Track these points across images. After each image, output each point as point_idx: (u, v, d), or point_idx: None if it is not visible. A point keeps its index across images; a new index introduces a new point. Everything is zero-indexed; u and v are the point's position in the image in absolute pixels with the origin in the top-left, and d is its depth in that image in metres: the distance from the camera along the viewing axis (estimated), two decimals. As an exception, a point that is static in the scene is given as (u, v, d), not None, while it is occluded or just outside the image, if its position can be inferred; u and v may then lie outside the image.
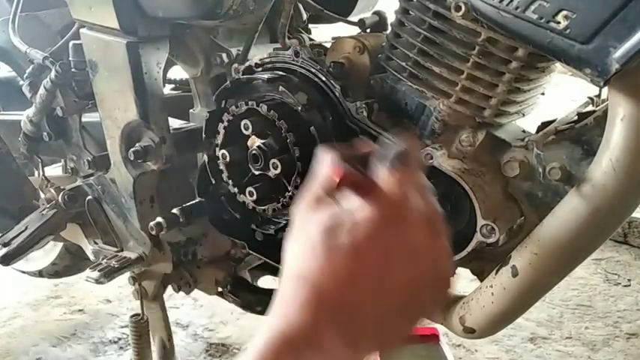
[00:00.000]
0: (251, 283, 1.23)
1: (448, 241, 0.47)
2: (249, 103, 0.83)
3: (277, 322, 0.43)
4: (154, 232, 1.00)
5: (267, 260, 0.97)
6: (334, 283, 0.43)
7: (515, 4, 0.63)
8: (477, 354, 1.78)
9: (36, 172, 1.37)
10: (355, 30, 1.04)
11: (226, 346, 1.83)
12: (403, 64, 0.79)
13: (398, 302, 0.44)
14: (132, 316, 1.24)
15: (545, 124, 0.78)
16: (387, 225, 0.44)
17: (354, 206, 0.45)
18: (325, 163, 0.49)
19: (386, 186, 0.46)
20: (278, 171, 0.82)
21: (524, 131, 0.81)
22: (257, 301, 1.16)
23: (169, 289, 1.22)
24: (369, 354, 0.45)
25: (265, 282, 1.27)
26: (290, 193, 0.83)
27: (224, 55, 1.05)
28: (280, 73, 0.86)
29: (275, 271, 1.13)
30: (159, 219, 0.99)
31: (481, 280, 0.83)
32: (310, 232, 0.45)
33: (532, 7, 0.62)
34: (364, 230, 0.43)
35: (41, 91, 1.16)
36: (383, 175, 0.46)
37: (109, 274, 1.11)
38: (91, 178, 1.19)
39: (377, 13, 1.03)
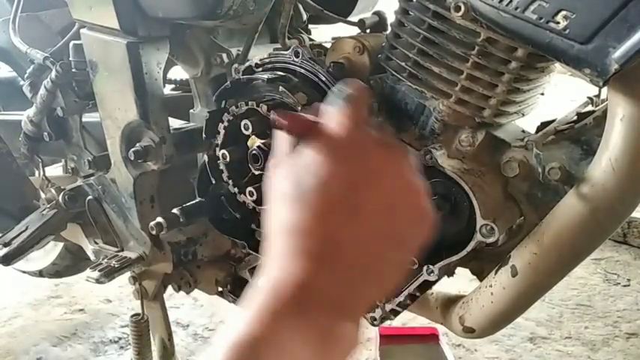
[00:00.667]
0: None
1: (411, 163, 0.49)
2: (250, 103, 0.83)
3: (276, 275, 0.43)
4: (154, 232, 1.01)
5: (267, 260, 0.97)
6: (316, 222, 0.44)
7: (515, 4, 0.63)
8: (476, 353, 1.78)
9: (36, 172, 1.37)
10: (355, 30, 1.04)
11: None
12: (403, 64, 0.79)
13: (377, 226, 0.45)
14: (132, 316, 1.24)
15: (544, 124, 0.79)
16: (344, 155, 0.46)
17: (311, 150, 0.47)
18: (282, 136, 0.51)
19: (335, 121, 0.48)
20: (278, 171, 0.83)
21: (523, 131, 0.81)
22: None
23: (170, 289, 1.22)
24: (371, 293, 0.45)
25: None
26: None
27: (224, 56, 1.05)
28: (280, 73, 0.86)
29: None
30: (159, 219, 0.99)
31: (480, 279, 0.83)
32: (280, 190, 0.47)
33: (531, 8, 0.62)
34: (324, 166, 0.45)
35: (42, 91, 1.17)
36: (331, 114, 0.49)
37: (109, 273, 1.11)
38: (92, 178, 1.20)
39: (377, 13, 1.04)
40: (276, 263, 0.44)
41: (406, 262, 0.48)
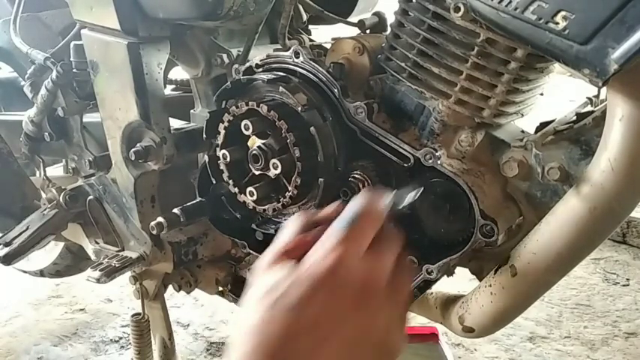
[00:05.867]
0: (251, 283, 1.23)
1: (390, 308, 0.51)
2: (250, 103, 0.84)
3: None
4: (154, 232, 1.01)
5: (268, 260, 0.97)
6: (273, 336, 0.47)
7: (514, 4, 0.64)
8: (476, 353, 1.79)
9: (37, 172, 1.37)
10: (355, 31, 1.04)
11: (227, 345, 1.83)
12: (402, 64, 0.79)
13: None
14: (133, 316, 1.25)
15: (543, 125, 0.79)
16: (328, 287, 0.48)
17: (289, 270, 0.50)
18: (288, 227, 0.55)
19: (319, 252, 0.50)
20: (278, 171, 0.83)
21: (523, 131, 0.82)
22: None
23: (170, 289, 1.23)
24: None
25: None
26: (290, 193, 0.84)
27: (224, 56, 1.05)
28: (280, 73, 0.86)
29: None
30: (160, 219, 0.99)
31: (480, 279, 0.83)
32: (258, 290, 0.50)
33: (531, 8, 0.63)
34: (307, 291, 0.48)
35: (42, 91, 1.17)
36: (321, 242, 0.51)
37: (110, 273, 1.11)
38: (92, 178, 1.20)
39: (376, 14, 1.04)
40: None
41: None
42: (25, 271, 1.87)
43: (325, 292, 0.48)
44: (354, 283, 0.49)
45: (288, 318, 0.47)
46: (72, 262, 1.77)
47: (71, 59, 1.11)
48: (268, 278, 0.51)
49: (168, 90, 1.34)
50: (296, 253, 0.52)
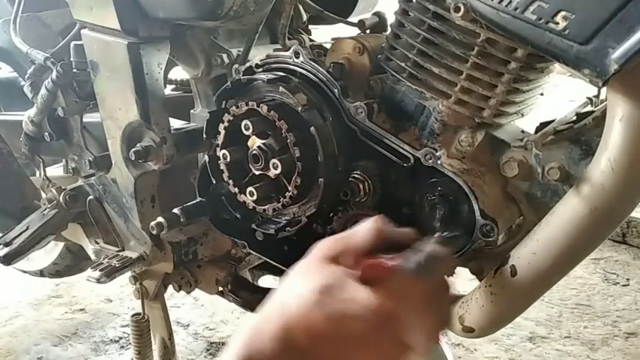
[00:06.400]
0: (251, 283, 1.23)
1: None
2: (250, 103, 0.84)
3: (246, 341, 0.49)
4: (154, 232, 1.01)
5: (268, 260, 0.97)
6: (305, 331, 0.47)
7: (515, 4, 0.64)
8: (476, 353, 1.79)
9: (37, 172, 1.37)
10: (355, 31, 1.04)
11: (227, 345, 1.83)
12: (403, 64, 0.79)
13: None
14: (133, 316, 1.25)
15: (544, 125, 0.79)
16: (369, 321, 0.49)
17: (360, 286, 0.49)
18: (365, 230, 0.54)
19: (389, 290, 0.50)
20: (278, 171, 0.83)
21: (523, 131, 0.82)
22: (257, 301, 1.16)
23: (170, 289, 1.23)
24: None
25: (266, 281, 1.28)
26: (290, 193, 0.84)
27: (224, 56, 1.05)
28: (280, 73, 0.86)
29: (275, 271, 1.14)
30: (160, 219, 0.99)
31: (480, 279, 0.83)
32: (313, 277, 0.50)
33: (531, 8, 0.63)
34: (352, 310, 0.48)
35: (42, 91, 1.17)
36: (394, 279, 0.51)
37: (110, 273, 1.11)
38: (92, 178, 1.20)
39: (376, 14, 1.04)
40: (254, 332, 0.49)
41: None
42: (25, 271, 1.87)
43: (373, 325, 0.48)
44: (398, 333, 0.50)
45: (330, 325, 0.47)
46: (72, 262, 1.77)
47: (71, 59, 1.11)
48: (332, 274, 0.50)
49: (168, 90, 1.34)
50: (365, 264, 0.52)
